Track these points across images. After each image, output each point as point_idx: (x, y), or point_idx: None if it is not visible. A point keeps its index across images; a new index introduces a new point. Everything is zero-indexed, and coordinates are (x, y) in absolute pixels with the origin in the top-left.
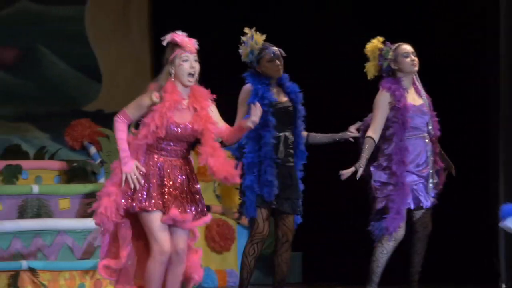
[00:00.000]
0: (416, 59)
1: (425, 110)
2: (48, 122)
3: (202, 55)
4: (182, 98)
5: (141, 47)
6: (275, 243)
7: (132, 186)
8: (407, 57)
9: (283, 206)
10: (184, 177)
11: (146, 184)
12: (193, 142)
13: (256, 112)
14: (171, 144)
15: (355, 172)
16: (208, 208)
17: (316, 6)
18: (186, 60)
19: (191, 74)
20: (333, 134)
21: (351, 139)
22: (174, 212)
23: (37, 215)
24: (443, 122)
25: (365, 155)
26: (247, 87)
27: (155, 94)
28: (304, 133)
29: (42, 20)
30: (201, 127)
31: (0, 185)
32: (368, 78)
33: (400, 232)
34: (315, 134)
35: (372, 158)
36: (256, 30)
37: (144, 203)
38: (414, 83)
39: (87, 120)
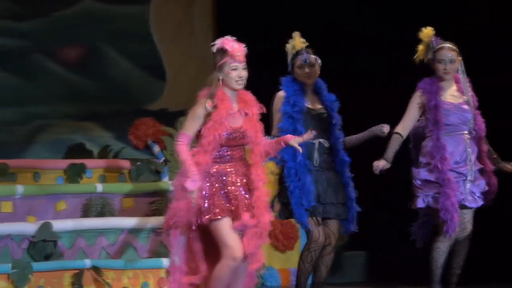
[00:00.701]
0: (450, 67)
1: (465, 108)
2: (112, 121)
3: (265, 55)
4: (232, 103)
5: (205, 46)
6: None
7: (193, 203)
8: (440, 63)
9: (324, 211)
10: (245, 180)
11: (210, 193)
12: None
13: (308, 137)
14: (229, 150)
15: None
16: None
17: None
18: (235, 69)
19: (239, 81)
20: (364, 132)
21: (383, 134)
22: (246, 217)
23: (101, 214)
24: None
25: (390, 150)
26: (280, 94)
27: (208, 102)
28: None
29: (106, 19)
30: (253, 133)
31: (64, 184)
32: (416, 60)
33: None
34: (349, 137)
35: (414, 160)
36: (301, 35)
37: (212, 213)
38: (457, 81)
39: (151, 119)
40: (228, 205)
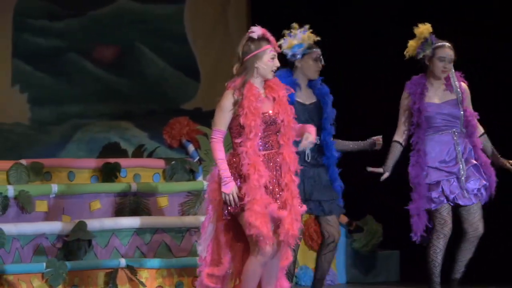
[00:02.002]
0: (448, 66)
1: (453, 106)
2: (147, 120)
3: None
4: (259, 89)
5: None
6: (321, 243)
7: (229, 205)
8: (441, 61)
9: (313, 208)
10: (278, 169)
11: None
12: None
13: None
14: (267, 139)
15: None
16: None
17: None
18: (273, 58)
19: (274, 71)
20: (360, 141)
21: (378, 146)
22: (274, 207)
23: (135, 213)
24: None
25: (390, 159)
26: None
27: (236, 92)
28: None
29: (141, 18)
30: (285, 117)
31: (99, 183)
32: (405, 54)
33: (446, 228)
34: (340, 140)
35: None
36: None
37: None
38: (447, 78)
39: (185, 118)
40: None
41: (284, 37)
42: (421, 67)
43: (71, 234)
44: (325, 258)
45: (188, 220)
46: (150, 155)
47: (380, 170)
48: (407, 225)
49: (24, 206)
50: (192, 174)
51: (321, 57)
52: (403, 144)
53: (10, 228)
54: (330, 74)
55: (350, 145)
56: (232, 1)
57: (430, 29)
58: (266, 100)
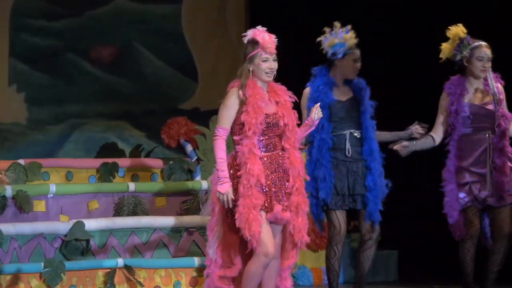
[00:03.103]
0: (488, 65)
1: (490, 107)
2: (144, 120)
3: (297, 56)
4: (264, 92)
5: (238, 46)
6: (360, 240)
7: (226, 206)
8: (479, 61)
9: (351, 202)
10: (281, 171)
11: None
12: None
13: (316, 112)
14: (264, 138)
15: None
16: None
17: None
18: (265, 61)
19: (269, 73)
20: (398, 132)
21: (417, 135)
22: (278, 208)
23: (133, 213)
24: None
25: (418, 142)
26: (306, 90)
27: (240, 92)
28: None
29: (139, 18)
30: (289, 120)
31: (96, 183)
32: (441, 57)
33: (474, 228)
34: (379, 132)
35: None
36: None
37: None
38: (485, 79)
39: (183, 118)
40: (262, 197)
41: (325, 35)
42: (458, 68)
43: (69, 234)
44: (364, 256)
45: (186, 220)
46: (148, 155)
47: (400, 145)
48: (406, 225)
49: (22, 206)
50: (190, 174)
51: (359, 57)
52: (435, 140)
53: (8, 228)
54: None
55: (388, 135)
56: (230, 0)
57: (465, 30)
58: (270, 103)
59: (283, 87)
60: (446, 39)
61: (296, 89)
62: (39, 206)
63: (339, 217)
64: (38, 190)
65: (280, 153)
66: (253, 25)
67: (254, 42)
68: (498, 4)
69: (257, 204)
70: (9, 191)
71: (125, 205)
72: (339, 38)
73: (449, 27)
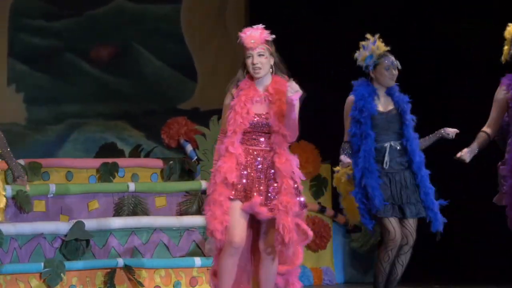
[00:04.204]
0: None
1: None
2: (144, 120)
3: (297, 56)
4: (257, 91)
5: (238, 46)
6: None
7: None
8: None
9: (400, 211)
10: (269, 170)
11: (238, 176)
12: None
13: (290, 90)
14: (254, 136)
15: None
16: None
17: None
18: (249, 57)
19: (255, 68)
20: (430, 135)
21: (449, 136)
22: (256, 199)
23: (133, 213)
24: None
25: (475, 143)
26: (350, 99)
27: (234, 91)
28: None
29: (138, 18)
30: (277, 120)
31: (96, 183)
32: (502, 60)
33: None
34: (421, 139)
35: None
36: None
37: (231, 192)
38: None
39: (183, 118)
40: (243, 189)
41: (359, 50)
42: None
43: (69, 234)
44: (398, 261)
45: (186, 220)
46: (147, 155)
47: (466, 151)
48: None
49: (22, 206)
50: (190, 174)
51: (393, 63)
52: (490, 135)
53: (8, 228)
54: (329, 73)
55: (426, 141)
56: (230, 0)
57: None
58: (262, 102)
59: (283, 85)
60: (446, 39)
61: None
62: (39, 206)
63: (394, 224)
64: (38, 190)
65: (267, 150)
66: (253, 25)
67: (241, 42)
68: (498, 4)
69: (218, 200)
70: (9, 191)
71: (125, 205)
72: (368, 50)
73: (507, 28)
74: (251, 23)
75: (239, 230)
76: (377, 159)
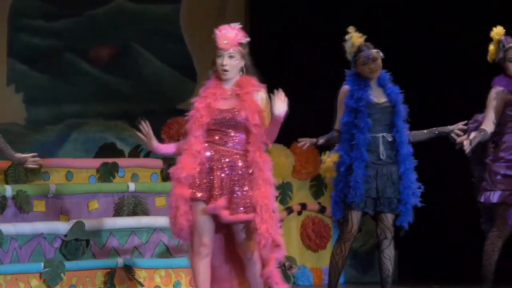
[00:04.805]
0: None
1: None
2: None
3: (297, 56)
4: (223, 88)
5: None
6: (377, 242)
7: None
8: (511, 62)
9: (378, 205)
10: (232, 167)
11: (197, 174)
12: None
13: (280, 97)
14: (220, 134)
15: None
16: (304, 206)
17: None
18: (219, 56)
19: (223, 70)
20: (432, 128)
21: (453, 136)
22: (220, 202)
23: (133, 213)
24: None
25: (478, 135)
26: (345, 88)
27: (201, 89)
28: (407, 132)
29: (138, 18)
30: (250, 114)
31: (96, 183)
32: (488, 59)
33: (508, 228)
34: (415, 132)
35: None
36: (357, 30)
37: (193, 191)
38: None
39: (183, 118)
40: (208, 189)
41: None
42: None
43: (69, 234)
44: (384, 256)
45: None
46: (147, 155)
47: (465, 137)
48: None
49: (22, 206)
50: None
51: (369, 57)
52: (489, 133)
53: (8, 228)
54: (329, 73)
55: (425, 132)
56: (230, 0)
57: (502, 31)
58: (229, 98)
59: (252, 80)
60: (445, 38)
61: (296, 88)
62: (39, 206)
63: (354, 217)
64: (38, 190)
65: (235, 149)
66: (253, 25)
67: (215, 39)
68: (498, 4)
69: (179, 200)
70: (9, 191)
71: (125, 205)
72: (347, 47)
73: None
74: (251, 23)
75: (206, 231)
76: (372, 149)
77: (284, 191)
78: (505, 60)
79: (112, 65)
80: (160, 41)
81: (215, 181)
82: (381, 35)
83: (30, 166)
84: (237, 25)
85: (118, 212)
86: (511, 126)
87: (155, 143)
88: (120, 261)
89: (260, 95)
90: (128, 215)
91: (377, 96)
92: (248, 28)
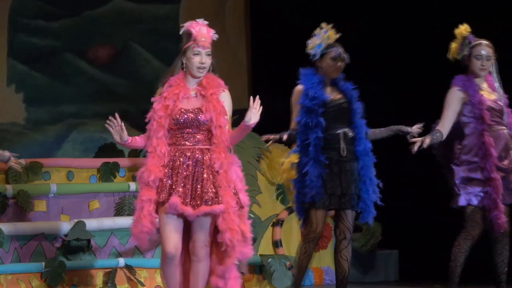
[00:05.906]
0: (487, 64)
1: (500, 104)
2: (142, 120)
3: (296, 52)
4: (187, 88)
5: (237, 46)
6: (335, 242)
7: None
8: (478, 59)
9: (339, 202)
10: (196, 163)
11: (163, 177)
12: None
13: (255, 107)
14: (183, 133)
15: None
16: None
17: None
18: (197, 54)
19: (200, 68)
20: (391, 126)
21: (411, 136)
22: (175, 200)
23: (134, 213)
24: None
25: (430, 136)
26: (298, 87)
27: (161, 89)
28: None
29: (137, 18)
30: (214, 115)
31: (97, 182)
32: (449, 57)
33: (476, 230)
34: (374, 129)
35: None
36: (333, 27)
37: (159, 194)
38: (487, 79)
39: None
40: (170, 191)
41: (311, 38)
42: (464, 67)
43: (70, 234)
44: (342, 256)
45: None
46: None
47: (419, 140)
48: (406, 224)
49: (23, 206)
50: None
51: (340, 55)
52: (443, 135)
53: (9, 228)
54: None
55: (383, 130)
56: (229, 1)
57: (469, 29)
58: (196, 98)
59: (217, 80)
60: (445, 39)
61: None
62: (40, 206)
63: (319, 217)
64: (39, 190)
65: (198, 147)
66: (252, 25)
67: (188, 34)
68: (498, 4)
69: (142, 202)
70: (10, 191)
71: (126, 205)
72: (319, 38)
73: (458, 27)
74: (251, 22)
75: (172, 237)
76: (332, 147)
77: (284, 191)
78: (470, 57)
79: (111, 65)
80: (159, 41)
81: (178, 181)
82: (380, 35)
83: (12, 165)
84: (204, 22)
85: (119, 212)
86: (470, 127)
87: (125, 137)
88: (121, 260)
89: (225, 96)
90: (129, 215)
91: (332, 94)
92: (248, 28)
